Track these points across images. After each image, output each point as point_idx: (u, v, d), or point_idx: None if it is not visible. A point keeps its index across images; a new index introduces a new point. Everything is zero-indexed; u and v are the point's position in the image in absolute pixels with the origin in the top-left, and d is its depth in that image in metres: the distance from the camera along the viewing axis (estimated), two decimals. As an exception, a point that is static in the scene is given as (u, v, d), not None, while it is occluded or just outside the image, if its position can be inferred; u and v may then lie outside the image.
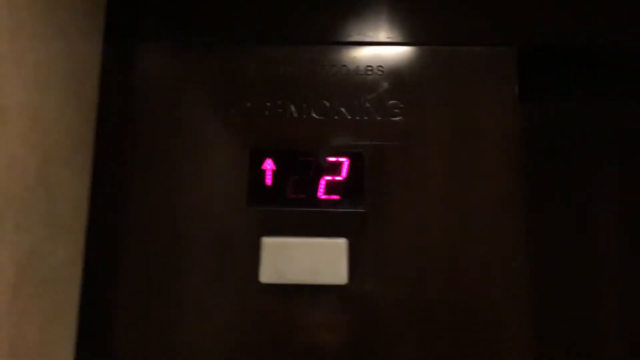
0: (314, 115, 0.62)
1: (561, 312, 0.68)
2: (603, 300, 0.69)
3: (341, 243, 0.58)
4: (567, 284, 0.68)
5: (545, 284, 0.66)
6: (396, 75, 0.63)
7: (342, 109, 0.62)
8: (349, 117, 0.62)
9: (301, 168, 0.61)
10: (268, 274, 0.57)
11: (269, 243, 0.58)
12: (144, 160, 0.61)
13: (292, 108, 0.62)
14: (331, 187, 0.60)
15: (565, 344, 0.67)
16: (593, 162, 0.71)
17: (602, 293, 0.69)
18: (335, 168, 0.61)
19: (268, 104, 0.62)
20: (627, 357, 0.68)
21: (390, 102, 0.62)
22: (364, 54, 0.64)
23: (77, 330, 0.54)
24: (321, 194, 0.60)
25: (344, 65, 0.63)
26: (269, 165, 0.61)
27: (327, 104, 0.62)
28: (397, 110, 0.62)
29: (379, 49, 0.64)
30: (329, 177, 0.61)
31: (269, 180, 0.60)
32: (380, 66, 0.63)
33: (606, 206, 0.71)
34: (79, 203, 0.55)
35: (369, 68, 0.63)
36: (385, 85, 0.63)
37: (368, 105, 0.62)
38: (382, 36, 0.64)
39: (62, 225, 0.52)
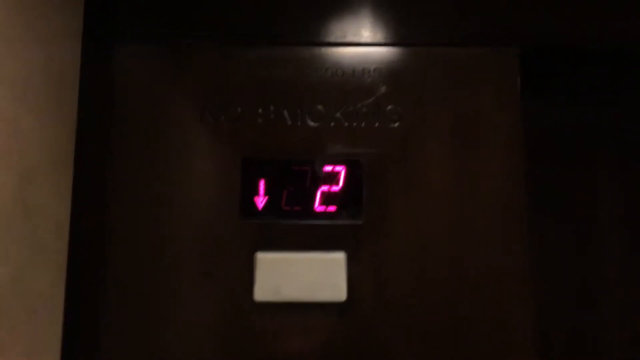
0: (308, 121, 0.59)
1: (564, 315, 0.67)
2: (606, 300, 0.68)
3: (340, 257, 0.56)
4: (570, 284, 0.67)
5: (549, 285, 0.65)
6: (394, 79, 0.60)
7: (338, 115, 0.59)
8: (346, 124, 0.59)
9: (296, 178, 0.58)
10: (263, 291, 0.55)
11: (263, 258, 0.56)
12: (127, 172, 0.57)
13: (286, 114, 0.59)
14: (328, 198, 0.58)
15: (568, 347, 0.66)
16: (597, 163, 0.70)
17: (605, 293, 0.68)
18: (332, 178, 0.58)
19: (260, 109, 0.59)
20: (629, 356, 0.67)
21: (389, 107, 0.59)
22: (360, 56, 0.60)
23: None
24: (317, 205, 0.57)
25: (340, 68, 0.60)
26: (262, 175, 0.58)
27: (323, 110, 0.59)
28: (395, 116, 0.59)
29: (376, 51, 0.60)
30: (325, 188, 0.58)
31: (262, 191, 0.58)
32: (377, 69, 0.60)
33: (609, 206, 0.69)
34: (60, 222, 0.51)
35: (366, 71, 0.60)
36: (383, 89, 0.60)
37: (365, 110, 0.59)
38: (379, 37, 0.61)
39: (44, 248, 0.48)
